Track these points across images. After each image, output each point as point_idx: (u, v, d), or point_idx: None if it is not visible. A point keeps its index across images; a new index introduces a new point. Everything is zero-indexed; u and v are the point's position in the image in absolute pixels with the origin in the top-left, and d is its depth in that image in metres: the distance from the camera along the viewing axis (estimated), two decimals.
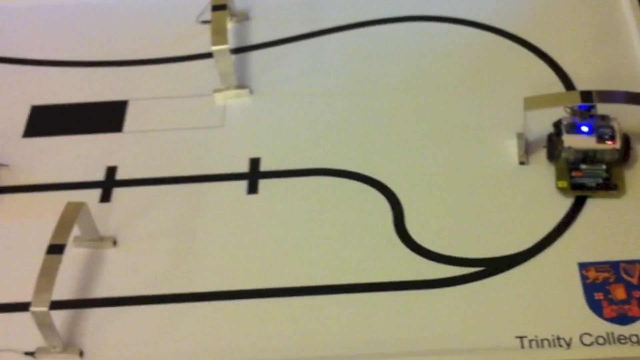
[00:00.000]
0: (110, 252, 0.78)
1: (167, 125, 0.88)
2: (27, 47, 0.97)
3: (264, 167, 0.84)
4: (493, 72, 0.90)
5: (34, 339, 0.70)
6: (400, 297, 0.73)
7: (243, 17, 0.98)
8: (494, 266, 0.75)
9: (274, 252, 0.77)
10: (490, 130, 0.84)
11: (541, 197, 0.78)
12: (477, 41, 0.93)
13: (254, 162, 0.85)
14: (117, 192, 0.83)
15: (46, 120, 0.90)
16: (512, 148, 0.82)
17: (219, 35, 0.87)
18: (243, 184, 0.83)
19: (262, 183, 0.83)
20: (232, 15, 0.97)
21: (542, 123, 0.82)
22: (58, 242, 0.71)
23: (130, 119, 0.89)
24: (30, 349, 0.71)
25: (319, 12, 0.98)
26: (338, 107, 0.89)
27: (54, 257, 0.70)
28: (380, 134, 0.85)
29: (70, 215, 0.73)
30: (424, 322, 0.72)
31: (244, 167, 0.84)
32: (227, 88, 0.90)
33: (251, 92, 0.91)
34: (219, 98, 0.90)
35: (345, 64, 0.92)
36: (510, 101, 0.85)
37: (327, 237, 0.78)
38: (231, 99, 0.90)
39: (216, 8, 0.90)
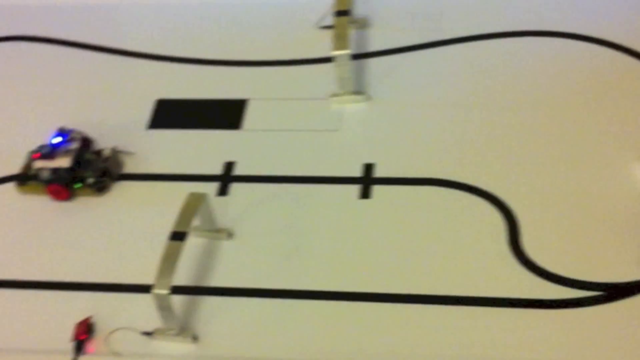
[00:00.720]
0: (225, 244, 0.81)
1: (284, 125, 0.90)
2: (154, 43, 1.01)
3: (377, 173, 0.84)
4: (620, 92, 0.87)
5: (151, 320, 0.73)
6: (511, 314, 0.72)
7: (363, 24, 0.99)
8: (614, 292, 0.72)
9: (382, 257, 0.78)
10: (615, 152, 0.81)
11: None
12: (602, 59, 0.90)
13: (368, 168, 0.85)
14: (234, 187, 0.86)
15: (170, 114, 0.94)
16: (638, 172, 0.79)
17: (341, 40, 0.89)
18: (355, 189, 0.84)
19: (375, 189, 0.83)
20: (353, 21, 0.98)
21: None
22: (181, 229, 0.73)
23: (249, 118, 0.92)
24: (148, 329, 0.74)
25: (440, 22, 0.97)
26: (455, 118, 0.88)
27: (176, 243, 0.72)
28: (499, 148, 0.84)
29: (193, 205, 0.76)
30: (536, 342, 0.70)
31: (357, 172, 0.85)
32: (344, 93, 0.91)
33: (368, 98, 0.91)
34: (336, 103, 0.92)
35: (464, 76, 0.92)
36: (638, 123, 0.82)
37: (438, 247, 0.77)
38: (347, 104, 0.91)
39: (339, 13, 0.91)
